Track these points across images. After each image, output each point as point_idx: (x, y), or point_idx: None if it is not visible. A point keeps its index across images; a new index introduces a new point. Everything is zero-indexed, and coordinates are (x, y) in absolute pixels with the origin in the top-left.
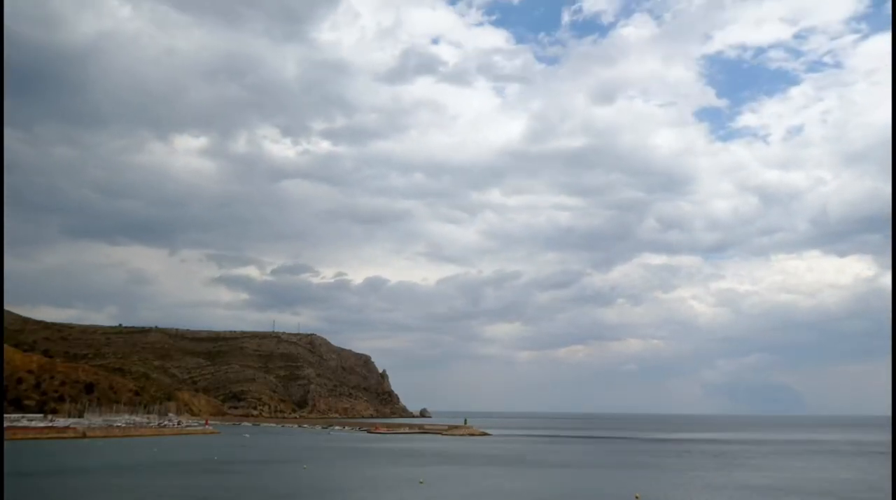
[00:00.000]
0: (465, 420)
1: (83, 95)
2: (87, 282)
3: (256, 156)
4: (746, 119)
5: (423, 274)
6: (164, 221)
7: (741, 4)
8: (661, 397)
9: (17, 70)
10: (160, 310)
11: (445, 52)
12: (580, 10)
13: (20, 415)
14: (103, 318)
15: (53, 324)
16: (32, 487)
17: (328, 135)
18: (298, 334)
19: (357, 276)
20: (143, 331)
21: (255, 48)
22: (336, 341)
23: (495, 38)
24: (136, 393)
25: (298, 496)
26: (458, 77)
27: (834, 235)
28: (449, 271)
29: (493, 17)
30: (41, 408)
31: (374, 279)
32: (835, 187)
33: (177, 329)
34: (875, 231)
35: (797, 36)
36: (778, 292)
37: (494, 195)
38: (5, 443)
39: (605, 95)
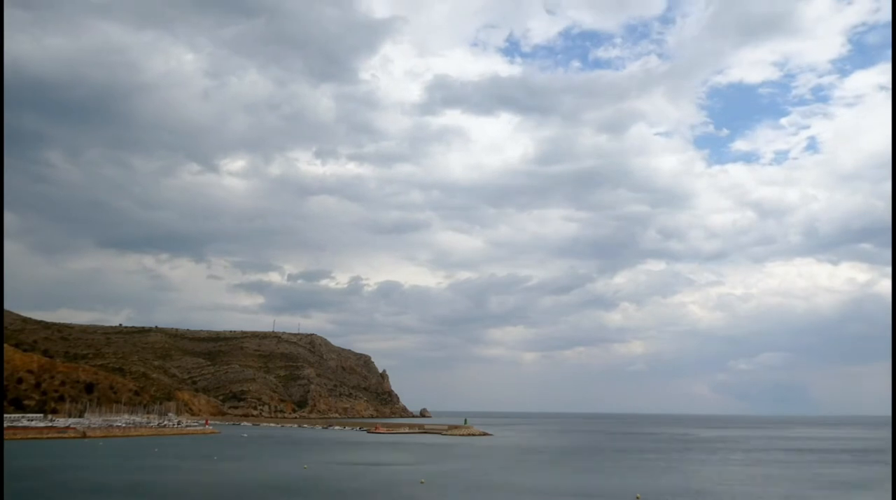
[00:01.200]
0: (466, 420)
1: (135, 125)
2: (112, 287)
3: (288, 176)
4: (742, 145)
5: (436, 280)
6: (195, 232)
7: (738, 51)
8: (664, 398)
9: (80, 106)
10: (178, 313)
11: (468, 87)
12: (587, 57)
13: (20, 415)
14: (120, 320)
15: (53, 324)
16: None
17: (355, 158)
18: (298, 334)
19: (372, 281)
20: (144, 331)
21: (298, 86)
22: (347, 343)
23: (514, 71)
24: (136, 393)
25: (299, 497)
26: (479, 108)
27: (828, 245)
28: (461, 276)
29: (510, 59)
30: (41, 408)
31: (388, 284)
32: (827, 204)
33: (177, 329)
34: (866, 241)
35: (787, 75)
36: (774, 297)
37: (507, 209)
38: (5, 443)
39: (614, 124)
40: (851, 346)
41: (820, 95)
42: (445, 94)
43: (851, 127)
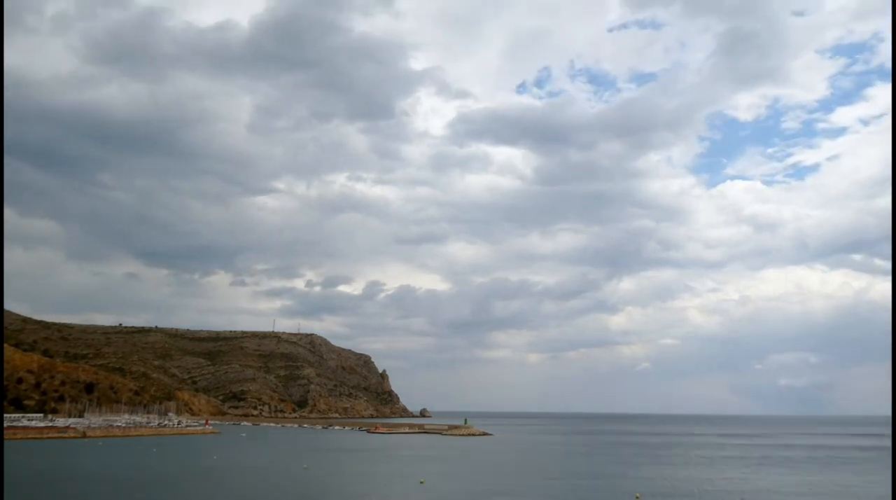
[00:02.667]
0: (466, 420)
1: (186, 154)
2: (140, 294)
3: (323, 197)
4: (737, 172)
5: (447, 285)
6: (229, 245)
7: (734, 95)
8: (664, 398)
9: (139, 136)
10: (194, 317)
11: (489, 121)
12: (601, 96)
13: (20, 415)
14: (138, 322)
15: (53, 324)
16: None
17: (381, 181)
18: (298, 334)
19: (388, 286)
20: (144, 331)
21: (338, 121)
22: (357, 344)
23: (534, 108)
24: (136, 393)
25: (299, 497)
26: (499, 139)
27: (821, 254)
28: (471, 282)
29: (531, 97)
30: (41, 408)
31: (402, 289)
32: (818, 220)
33: (177, 329)
34: (857, 252)
35: (778, 111)
36: (770, 301)
37: (520, 223)
38: (5, 443)
39: (623, 153)
40: (852, 348)
41: (808, 129)
42: (468, 127)
43: (837, 154)
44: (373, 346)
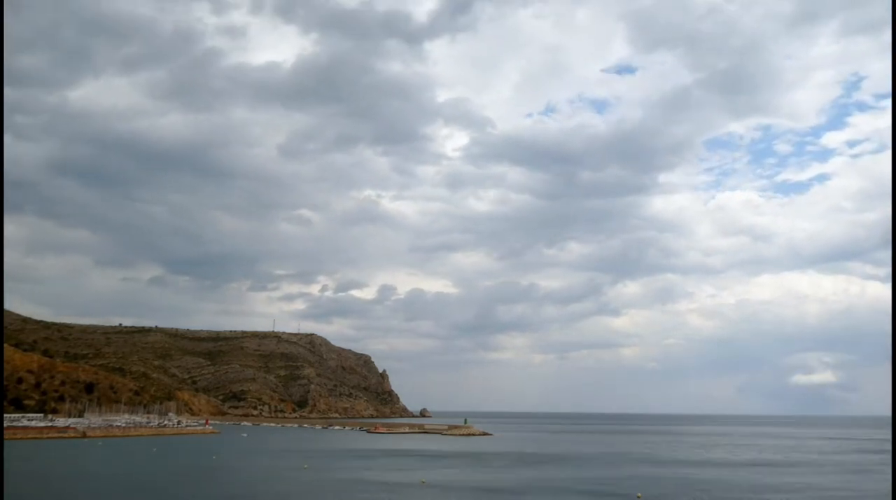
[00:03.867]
0: (466, 420)
1: (219, 173)
2: (158, 298)
3: (347, 211)
4: (735, 188)
5: (455, 290)
6: (251, 253)
7: (730, 123)
8: (664, 398)
9: (176, 160)
10: (205, 319)
11: (503, 144)
12: (608, 121)
13: (20, 415)
14: (148, 323)
15: (53, 324)
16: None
17: (400, 197)
18: (298, 334)
19: (400, 291)
20: (143, 331)
21: (364, 144)
22: (364, 346)
23: (546, 132)
24: (136, 393)
25: (300, 496)
26: (512, 161)
27: (817, 261)
28: (478, 286)
29: (542, 123)
30: (41, 408)
31: (413, 293)
32: (813, 232)
33: (176, 329)
34: (849, 259)
35: (772, 135)
36: (766, 305)
37: (529, 232)
38: (5, 443)
39: (628, 174)
40: (849, 348)
41: (799, 150)
42: (481, 150)
43: (826, 172)
44: (378, 347)
